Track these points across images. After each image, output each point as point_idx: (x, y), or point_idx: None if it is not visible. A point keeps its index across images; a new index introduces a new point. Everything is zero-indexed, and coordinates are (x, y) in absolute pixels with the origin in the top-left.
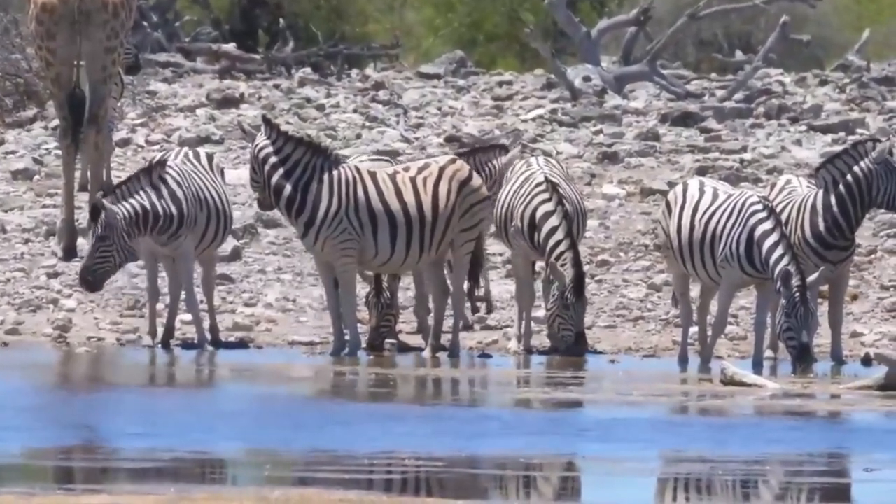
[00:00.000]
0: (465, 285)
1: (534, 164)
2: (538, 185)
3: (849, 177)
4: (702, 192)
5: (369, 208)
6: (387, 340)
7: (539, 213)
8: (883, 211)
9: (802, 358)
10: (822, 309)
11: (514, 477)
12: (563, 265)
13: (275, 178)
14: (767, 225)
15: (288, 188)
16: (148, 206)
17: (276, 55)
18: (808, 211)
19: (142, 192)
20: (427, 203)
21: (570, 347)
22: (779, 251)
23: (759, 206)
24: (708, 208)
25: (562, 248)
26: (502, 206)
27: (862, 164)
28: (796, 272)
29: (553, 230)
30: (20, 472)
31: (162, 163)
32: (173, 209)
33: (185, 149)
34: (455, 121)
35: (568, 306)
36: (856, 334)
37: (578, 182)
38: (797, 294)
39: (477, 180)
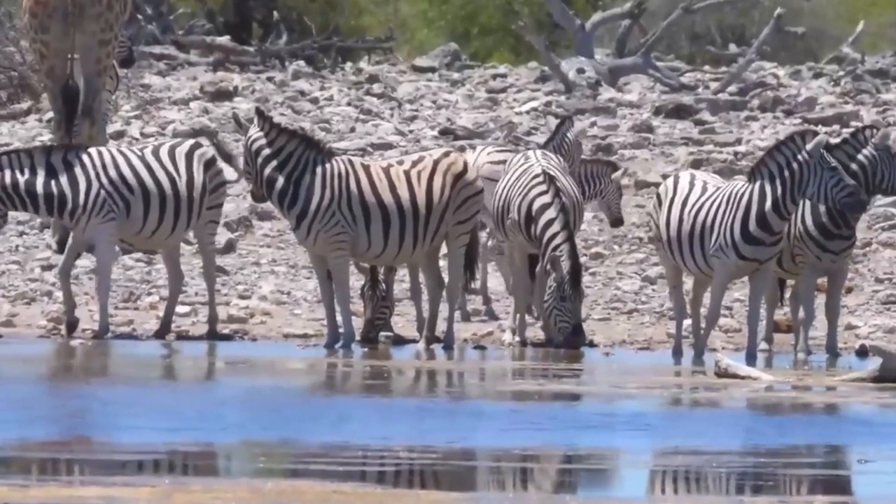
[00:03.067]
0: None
1: (531, 158)
2: (535, 177)
3: (853, 165)
4: (692, 185)
5: (362, 201)
6: (381, 333)
7: (536, 206)
8: (878, 204)
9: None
10: (819, 301)
11: (509, 469)
12: (560, 257)
13: (267, 171)
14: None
15: (280, 181)
16: (19, 182)
17: (269, 48)
18: (808, 202)
19: (15, 169)
20: (421, 196)
21: (568, 339)
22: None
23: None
24: (697, 201)
25: (558, 240)
26: (499, 199)
27: (865, 151)
28: None
29: (550, 222)
30: (14, 464)
31: (69, 147)
32: (65, 191)
33: (169, 141)
34: (449, 114)
35: (565, 298)
36: (850, 326)
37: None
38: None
39: (471, 173)
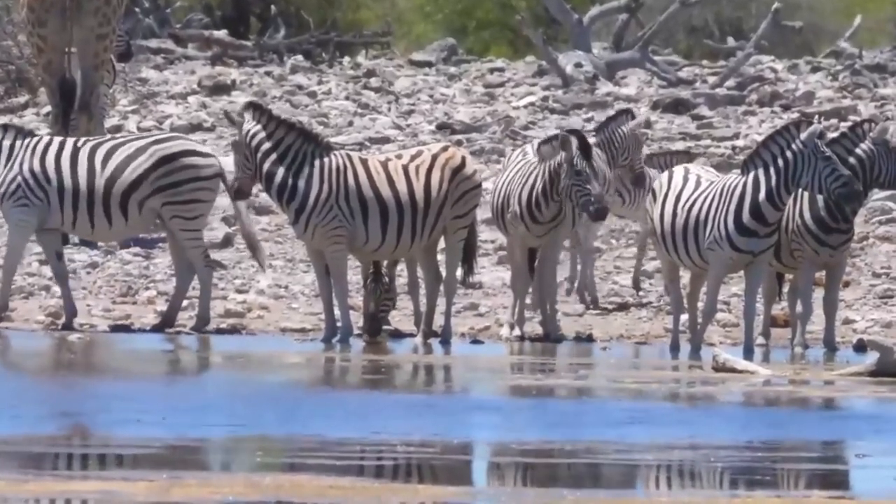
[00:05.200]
0: (458, 272)
1: (529, 152)
2: (534, 165)
3: (851, 159)
4: (685, 179)
5: (360, 195)
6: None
7: (539, 187)
8: (875, 197)
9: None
10: (817, 295)
11: (509, 464)
12: (566, 137)
13: (267, 165)
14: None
15: (280, 175)
16: None
17: (267, 42)
18: (806, 196)
19: None
20: (419, 190)
21: (597, 212)
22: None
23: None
24: (690, 195)
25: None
26: (498, 195)
27: (863, 145)
28: None
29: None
30: (12, 459)
31: (21, 131)
32: None
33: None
34: (447, 108)
35: (580, 172)
36: (848, 321)
37: None
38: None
39: (470, 168)
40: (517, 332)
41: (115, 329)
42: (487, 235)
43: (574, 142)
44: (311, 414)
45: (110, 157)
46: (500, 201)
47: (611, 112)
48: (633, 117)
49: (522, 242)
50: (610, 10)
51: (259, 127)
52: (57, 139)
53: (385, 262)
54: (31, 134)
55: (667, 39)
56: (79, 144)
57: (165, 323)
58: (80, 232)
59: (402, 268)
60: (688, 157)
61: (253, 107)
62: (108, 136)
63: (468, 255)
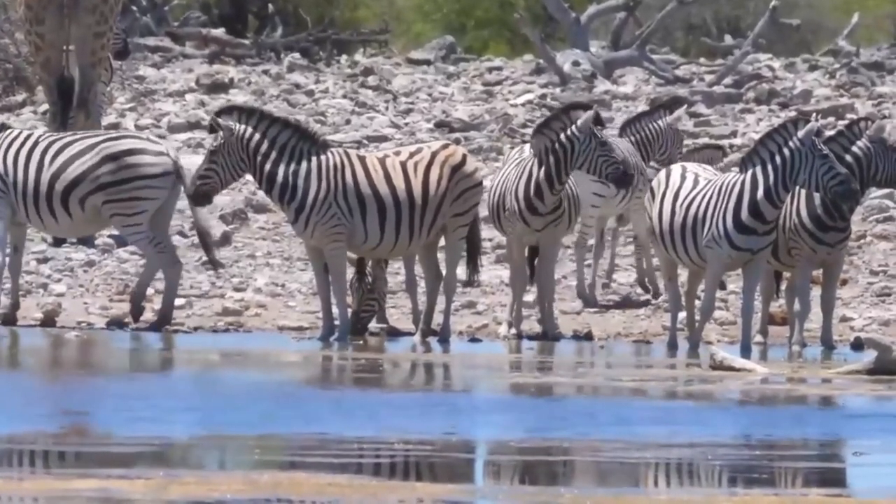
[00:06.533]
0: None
1: (527, 151)
2: (531, 164)
3: (848, 157)
4: (683, 178)
5: (358, 193)
6: (377, 325)
7: (536, 175)
8: (872, 196)
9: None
10: (815, 293)
11: (507, 462)
12: (583, 114)
13: (268, 166)
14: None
15: (280, 175)
16: None
17: (265, 40)
18: (803, 194)
19: None
20: (417, 188)
21: (621, 179)
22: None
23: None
24: (689, 194)
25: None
26: (495, 194)
27: (860, 143)
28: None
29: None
30: (9, 457)
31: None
32: None
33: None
34: (445, 106)
35: (605, 142)
36: (845, 319)
37: None
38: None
39: (470, 165)
40: (514, 330)
41: (112, 326)
42: (486, 234)
43: (592, 114)
44: (309, 412)
45: (59, 154)
46: (496, 199)
47: (608, 111)
48: (671, 112)
49: (520, 240)
50: (608, 8)
51: (251, 129)
52: (24, 134)
53: (370, 262)
54: (3, 128)
55: (664, 38)
56: (39, 140)
57: (162, 321)
58: (35, 225)
59: (399, 266)
60: (720, 151)
61: (238, 110)
62: (69, 133)
63: (472, 254)
